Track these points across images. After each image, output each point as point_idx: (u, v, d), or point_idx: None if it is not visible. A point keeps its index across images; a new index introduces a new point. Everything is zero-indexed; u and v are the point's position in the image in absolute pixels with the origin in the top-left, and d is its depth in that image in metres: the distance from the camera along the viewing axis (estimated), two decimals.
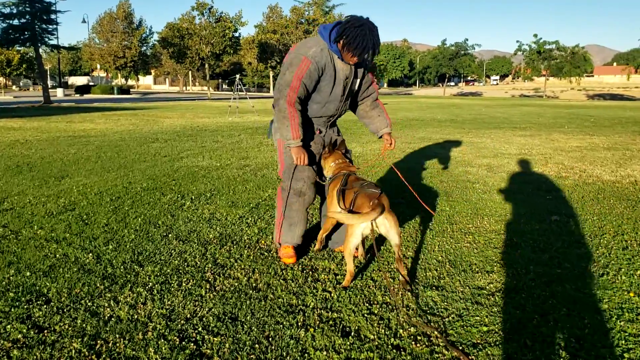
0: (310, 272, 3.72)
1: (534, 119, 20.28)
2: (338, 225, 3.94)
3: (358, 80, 3.74)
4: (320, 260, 3.96)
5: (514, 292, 3.41)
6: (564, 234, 4.73)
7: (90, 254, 4.03)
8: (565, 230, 4.87)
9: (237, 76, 21.55)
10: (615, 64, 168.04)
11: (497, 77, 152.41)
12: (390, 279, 3.61)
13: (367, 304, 3.21)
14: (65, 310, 3.08)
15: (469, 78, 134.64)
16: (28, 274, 3.61)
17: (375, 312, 3.11)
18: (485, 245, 4.40)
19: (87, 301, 3.19)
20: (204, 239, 4.46)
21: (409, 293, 3.36)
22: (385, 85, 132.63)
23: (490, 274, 3.73)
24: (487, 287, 3.50)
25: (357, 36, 3.26)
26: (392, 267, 3.85)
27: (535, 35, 56.03)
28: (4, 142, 11.00)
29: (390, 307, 3.18)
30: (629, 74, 65.52)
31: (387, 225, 3.24)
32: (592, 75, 57.22)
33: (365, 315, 3.07)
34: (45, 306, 3.11)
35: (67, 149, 10.11)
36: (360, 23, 3.29)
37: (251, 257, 4.01)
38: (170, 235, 4.56)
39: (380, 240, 4.33)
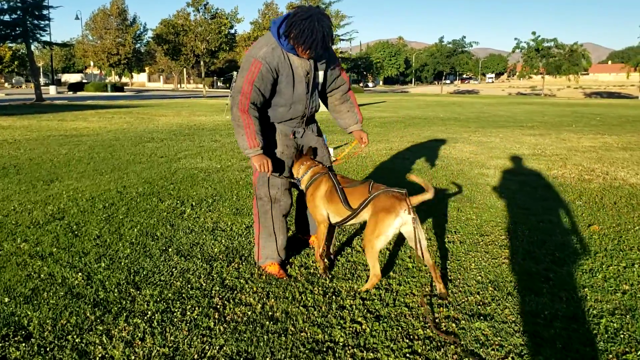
0: (334, 297, 3.23)
1: (538, 118, 19.84)
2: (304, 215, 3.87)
3: (321, 73, 3.44)
4: (343, 281, 3.47)
5: (575, 322, 2.92)
6: (611, 248, 4.24)
7: (80, 274, 3.52)
8: (611, 243, 4.38)
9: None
10: (610, 62, 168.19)
11: (493, 75, 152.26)
12: (427, 304, 3.12)
13: (407, 340, 2.72)
14: (48, 348, 2.57)
15: (464, 76, 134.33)
16: (7, 299, 3.10)
17: (419, 350, 2.62)
18: (525, 261, 3.91)
19: (75, 336, 2.69)
20: (209, 254, 3.95)
21: (454, 324, 2.87)
22: (381, 83, 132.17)
23: (540, 297, 3.24)
24: (542, 314, 3.02)
25: (305, 29, 2.98)
26: (425, 289, 3.36)
27: (534, 33, 55.69)
28: None
29: (434, 343, 2.68)
30: (628, 72, 65.19)
31: (416, 225, 3.05)
32: (588, 74, 56.90)
33: (408, 355, 2.57)
34: (24, 344, 2.61)
35: (57, 149, 9.57)
36: (307, 14, 3.01)
37: (263, 278, 3.51)
38: (170, 249, 4.06)
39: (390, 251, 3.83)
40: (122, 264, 3.72)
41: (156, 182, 6.58)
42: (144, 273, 3.56)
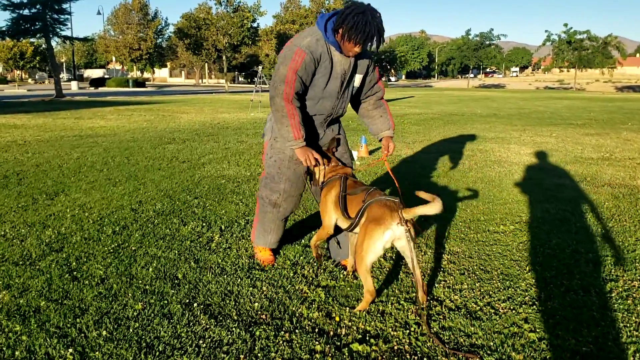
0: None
1: (584, 114, 18.49)
2: (338, 231, 3.46)
3: (360, 76, 3.37)
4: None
5: None
6: None
7: (71, 349, 2.50)
8: None
9: (260, 68, 19.98)
10: (638, 55, 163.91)
11: (517, 69, 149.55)
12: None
13: None
14: None
15: (487, 70, 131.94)
16: None
17: None
18: None
19: None
20: (247, 313, 2.92)
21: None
22: (404, 77, 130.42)
23: None
24: None
25: (359, 22, 2.94)
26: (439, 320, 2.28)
27: (566, 25, 53.71)
28: None
29: None
30: None
31: (409, 239, 2.78)
32: (615, 67, 54.88)
33: None
34: None
35: (69, 152, 8.63)
36: (361, 9, 2.97)
37: None
38: (195, 303, 3.02)
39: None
40: (131, 330, 2.70)
41: (177, 196, 5.57)
42: (160, 348, 2.53)
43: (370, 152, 8.87)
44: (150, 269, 3.51)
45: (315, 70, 3.17)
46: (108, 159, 8.02)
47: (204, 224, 4.58)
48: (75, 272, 3.46)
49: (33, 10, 27.55)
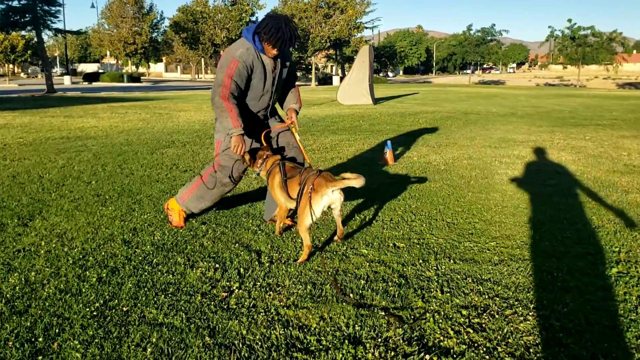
0: None
1: (606, 114, 17.46)
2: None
3: (286, 70, 4.09)
4: None
5: None
6: None
7: None
8: None
9: None
10: (635, 51, 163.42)
11: (514, 65, 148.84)
12: None
13: None
14: None
15: (484, 66, 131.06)
16: None
17: None
18: None
19: None
20: None
21: None
22: (401, 72, 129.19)
23: None
24: None
25: (272, 27, 3.59)
26: None
27: (570, 21, 52.82)
28: None
29: None
30: None
31: (340, 200, 3.61)
32: (620, 64, 53.97)
33: None
34: None
35: (53, 158, 7.55)
36: (275, 16, 3.67)
37: None
38: None
39: None
40: None
41: (190, 222, 4.50)
42: None
43: (396, 159, 7.82)
44: (148, 350, 2.47)
45: (250, 75, 3.84)
46: (98, 167, 6.95)
47: (217, 265, 3.53)
48: (40, 357, 2.40)
49: (23, 2, 26.32)
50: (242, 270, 3.45)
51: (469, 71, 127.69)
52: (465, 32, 67.62)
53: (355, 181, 3.47)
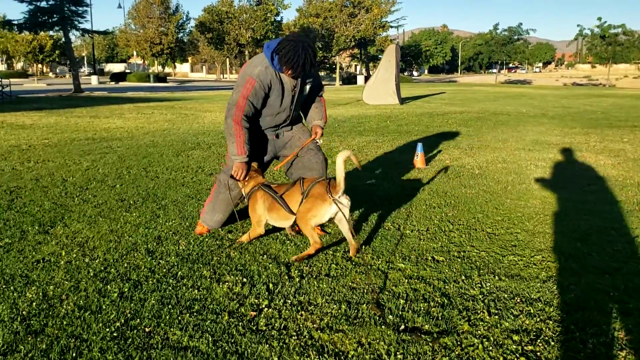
0: None
1: None
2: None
3: (307, 87, 3.94)
4: None
5: None
6: None
7: None
8: None
9: None
10: None
11: (540, 65, 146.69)
12: None
13: None
14: None
15: (510, 65, 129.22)
16: None
17: None
18: None
19: None
20: None
21: None
22: (426, 71, 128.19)
23: None
24: None
25: (289, 52, 3.45)
26: None
27: (600, 19, 51.41)
28: (0, 149, 8.39)
29: None
30: None
31: (347, 204, 3.57)
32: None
33: None
34: None
35: (78, 160, 7.43)
36: (294, 42, 3.48)
37: None
38: None
39: None
40: None
41: (215, 232, 4.30)
42: None
43: (427, 162, 7.54)
44: None
45: (268, 94, 3.74)
46: (123, 170, 6.80)
47: (245, 279, 3.31)
48: None
49: (51, 2, 26.53)
50: (271, 285, 3.23)
51: (495, 70, 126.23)
52: (492, 31, 66.61)
53: (343, 155, 3.48)
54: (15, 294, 3.08)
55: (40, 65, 75.81)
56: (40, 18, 26.64)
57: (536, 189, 5.99)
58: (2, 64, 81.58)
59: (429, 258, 3.74)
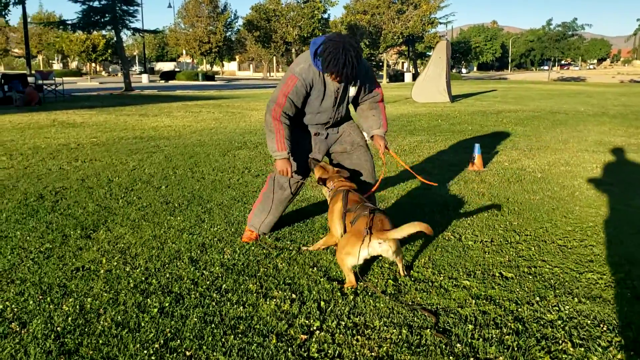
0: None
1: None
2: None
3: (354, 88, 3.67)
4: None
5: None
6: None
7: None
8: None
9: None
10: None
11: (595, 61, 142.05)
12: None
13: None
14: None
15: (562, 62, 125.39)
16: None
17: None
18: None
19: None
20: None
21: None
22: (475, 69, 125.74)
23: None
24: None
25: (329, 54, 3.22)
26: None
27: None
28: (50, 147, 8.40)
29: None
30: None
31: (390, 251, 3.07)
32: None
33: None
34: None
35: (125, 160, 7.34)
36: (336, 45, 3.22)
37: None
38: None
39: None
40: None
41: (262, 239, 4.05)
42: None
43: (485, 164, 7.11)
44: None
45: (309, 92, 3.55)
46: (169, 170, 6.65)
47: (294, 295, 3.04)
48: None
49: (103, 2, 27.01)
50: (322, 303, 2.94)
51: (546, 67, 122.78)
52: (545, 27, 64.58)
53: (416, 227, 2.93)
54: (51, 306, 2.89)
55: (93, 64, 77.90)
56: (93, 18, 27.15)
57: (607, 195, 5.52)
58: (57, 63, 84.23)
59: (497, 274, 3.38)
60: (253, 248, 3.82)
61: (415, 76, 46.81)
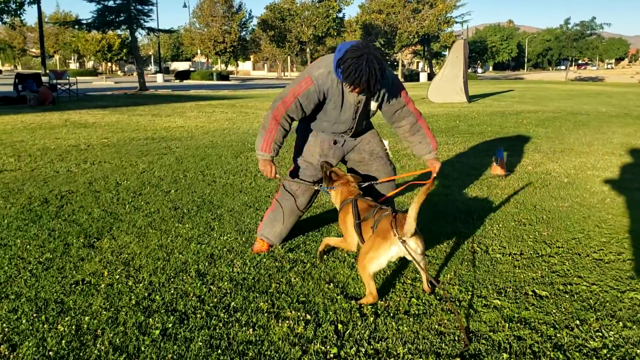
0: None
1: None
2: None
3: (375, 103, 3.38)
4: None
5: None
6: None
7: None
8: None
9: None
10: None
11: (612, 61, 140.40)
12: None
13: None
14: None
15: (579, 62, 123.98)
16: None
17: None
18: None
19: None
20: None
21: None
22: (491, 68, 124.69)
23: None
24: None
25: (350, 66, 2.93)
26: None
27: None
28: (59, 148, 8.22)
29: None
30: None
31: (417, 249, 2.79)
32: None
33: None
34: None
35: (135, 162, 7.13)
36: (359, 53, 2.93)
37: None
38: None
39: None
40: None
41: (274, 259, 3.80)
42: None
43: (508, 168, 6.81)
44: None
45: (322, 101, 3.28)
46: (179, 174, 6.43)
47: (309, 316, 2.78)
48: None
49: (118, 1, 26.96)
50: (340, 326, 2.69)
51: (563, 67, 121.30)
52: (563, 26, 63.71)
53: (421, 198, 2.70)
54: (46, 326, 2.66)
55: (109, 64, 78.29)
56: (108, 17, 27.12)
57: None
58: (74, 62, 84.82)
59: (530, 292, 3.10)
60: (264, 260, 3.57)
61: (430, 76, 46.38)
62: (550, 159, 7.65)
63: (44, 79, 20.18)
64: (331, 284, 3.19)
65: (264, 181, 6.05)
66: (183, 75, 54.90)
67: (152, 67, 79.54)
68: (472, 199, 5.32)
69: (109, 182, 5.94)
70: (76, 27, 30.74)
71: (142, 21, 28.08)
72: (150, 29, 30.16)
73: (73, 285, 3.16)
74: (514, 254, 3.74)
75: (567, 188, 5.81)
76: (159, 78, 46.02)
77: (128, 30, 28.97)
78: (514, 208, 4.96)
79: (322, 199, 5.19)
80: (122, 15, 27.15)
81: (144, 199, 5.20)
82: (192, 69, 69.27)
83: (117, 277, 3.29)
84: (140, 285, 3.17)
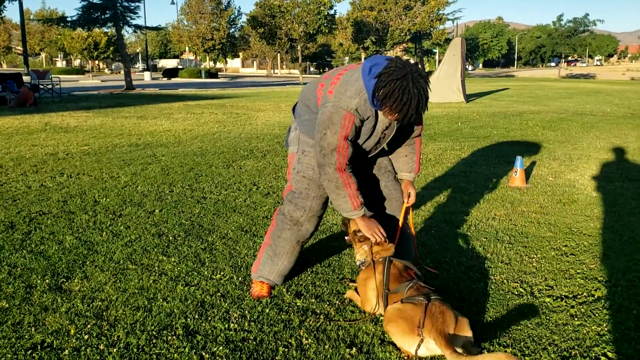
0: None
1: None
2: None
3: (396, 128, 2.89)
4: None
5: None
6: None
7: None
8: None
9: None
10: None
11: (601, 58, 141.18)
12: None
13: None
14: None
15: (569, 58, 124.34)
16: None
17: None
18: None
19: None
20: None
21: None
22: (481, 66, 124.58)
23: None
24: None
25: (396, 91, 2.47)
26: None
27: None
28: (35, 157, 7.52)
29: None
30: None
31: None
32: None
33: None
34: None
35: (117, 173, 6.46)
36: (401, 73, 2.47)
37: None
38: None
39: None
40: None
41: (277, 294, 3.16)
42: None
43: (527, 179, 6.22)
44: None
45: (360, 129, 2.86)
46: (165, 188, 5.77)
47: None
48: None
49: None
50: None
51: (553, 64, 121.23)
52: (555, 23, 63.41)
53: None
54: None
55: (96, 62, 77.13)
56: (93, 14, 26.28)
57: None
58: (60, 61, 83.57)
59: (600, 355, 2.48)
60: (267, 310, 2.93)
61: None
62: (568, 167, 7.07)
63: (26, 79, 19.37)
64: (353, 347, 2.55)
65: (260, 197, 5.41)
66: (171, 73, 54.08)
67: (139, 65, 78.48)
68: (495, 219, 4.71)
69: (86, 200, 5.27)
70: (61, 24, 29.80)
71: (128, 18, 27.29)
72: (137, 27, 29.36)
73: (29, 352, 2.50)
74: (566, 297, 3.13)
75: (599, 204, 5.22)
76: (147, 76, 45.17)
77: (114, 28, 28.14)
78: (547, 231, 4.35)
79: (328, 219, 4.56)
80: (107, 12, 26.34)
81: (124, 222, 4.54)
82: (180, 66, 68.42)
83: (86, 337, 2.64)
84: (114, 350, 2.53)
